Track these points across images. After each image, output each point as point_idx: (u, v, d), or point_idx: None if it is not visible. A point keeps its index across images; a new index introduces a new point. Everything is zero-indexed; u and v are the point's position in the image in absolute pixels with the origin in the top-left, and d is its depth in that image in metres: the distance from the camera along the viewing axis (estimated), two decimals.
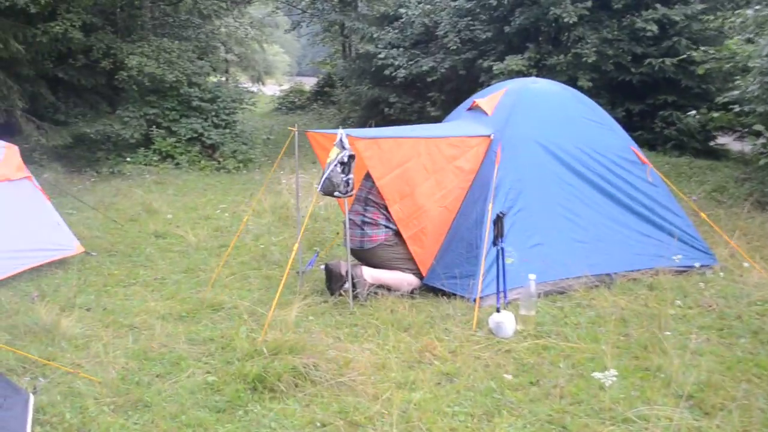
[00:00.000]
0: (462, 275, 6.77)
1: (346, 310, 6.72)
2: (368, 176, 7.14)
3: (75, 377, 5.30)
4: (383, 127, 10.19)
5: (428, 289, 7.12)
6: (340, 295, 6.93)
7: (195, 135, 16.73)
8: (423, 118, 18.03)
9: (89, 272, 8.33)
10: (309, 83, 35.69)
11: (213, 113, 17.11)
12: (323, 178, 6.51)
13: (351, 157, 6.50)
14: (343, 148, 6.50)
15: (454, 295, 6.79)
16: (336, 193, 6.52)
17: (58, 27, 15.62)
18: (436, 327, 6.23)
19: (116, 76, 16.81)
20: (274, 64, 52.28)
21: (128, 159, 16.20)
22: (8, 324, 6.52)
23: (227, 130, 17.15)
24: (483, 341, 5.88)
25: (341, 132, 6.59)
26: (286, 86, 37.78)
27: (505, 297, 6.42)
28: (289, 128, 7.66)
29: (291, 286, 7.49)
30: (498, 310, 6.11)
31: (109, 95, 19.88)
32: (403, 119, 19.17)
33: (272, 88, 42.36)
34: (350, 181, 6.50)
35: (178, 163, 16.14)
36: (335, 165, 6.47)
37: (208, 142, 16.77)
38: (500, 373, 5.30)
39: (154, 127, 16.67)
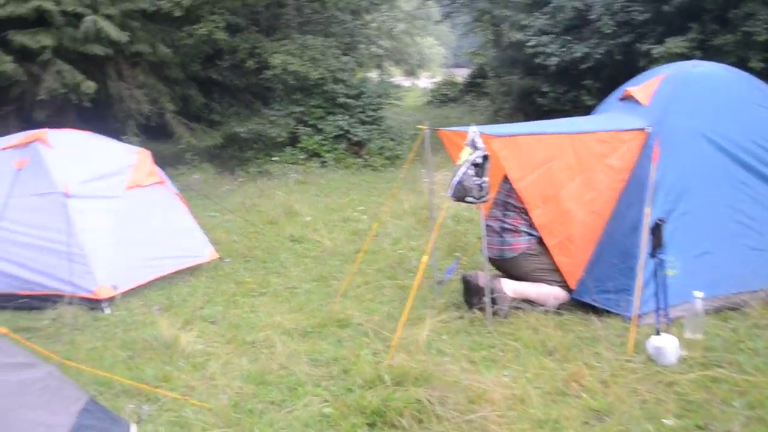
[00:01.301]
0: (616, 289, 5.96)
1: (483, 327, 6.07)
2: (506, 178, 6.43)
3: (185, 403, 4.92)
4: (520, 123, 9.38)
5: (577, 305, 6.32)
6: (479, 309, 6.27)
7: (341, 132, 16.43)
8: (578, 108, 17.00)
9: (221, 280, 8.06)
10: (462, 75, 35.00)
11: (359, 109, 16.75)
12: (454, 182, 5.87)
13: (485, 157, 5.83)
14: (476, 147, 5.84)
15: (607, 312, 6.00)
16: (468, 199, 5.86)
17: (203, 29, 15.72)
18: (585, 351, 5.46)
19: (261, 75, 16.74)
20: (430, 56, 51.88)
21: (275, 158, 16.08)
22: (130, 338, 6.29)
23: (374, 126, 16.75)
24: (640, 370, 5.07)
25: (473, 130, 5.92)
26: (438, 79, 37.24)
27: (666, 316, 5.56)
28: (418, 126, 7.09)
29: (427, 297, 6.92)
30: (658, 332, 5.29)
31: (263, 94, 20.00)
32: (557, 109, 18.18)
33: (426, 81, 42.01)
34: (484, 185, 5.83)
35: (324, 162, 15.88)
36: (467, 167, 5.82)
37: (355, 139, 16.43)
38: (660, 412, 4.49)
39: (300, 125, 16.49)
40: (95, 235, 7.40)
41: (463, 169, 5.83)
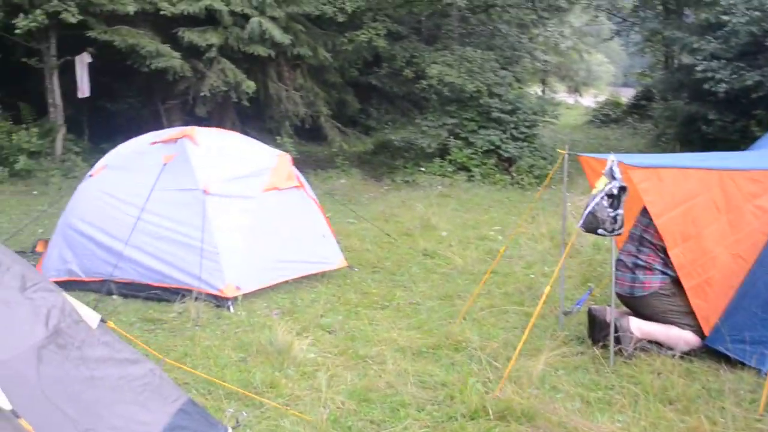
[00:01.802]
0: (753, 341, 5.50)
1: (604, 366, 5.73)
2: (645, 212, 6.06)
3: (285, 412, 4.88)
4: (664, 154, 8.87)
5: (708, 353, 5.87)
6: (602, 347, 5.95)
7: (492, 147, 16.19)
8: (746, 139, 16.02)
9: (347, 289, 8.05)
10: (628, 95, 33.87)
11: (512, 125, 16.46)
12: (586, 212, 5.59)
13: (622, 189, 5.51)
14: (613, 177, 5.53)
15: (741, 364, 5.54)
16: (600, 231, 5.55)
17: (363, 35, 15.87)
18: (710, 404, 5.06)
19: (416, 85, 16.75)
20: (597, 74, 50.59)
21: (423, 169, 16.03)
22: (247, 340, 6.34)
23: (525, 143, 16.41)
24: None
25: (612, 158, 5.62)
26: (601, 98, 36.23)
27: None
28: (558, 150, 6.82)
29: (550, 327, 6.65)
30: None
31: (420, 103, 20.05)
32: (723, 139, 17.24)
33: (590, 100, 41.03)
34: (618, 218, 5.51)
35: (471, 176, 15.69)
36: (601, 197, 5.52)
37: (505, 155, 16.16)
38: None
39: (451, 137, 16.37)
40: (229, 234, 7.53)
41: (596, 200, 5.53)
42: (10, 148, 14.71)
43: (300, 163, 17.21)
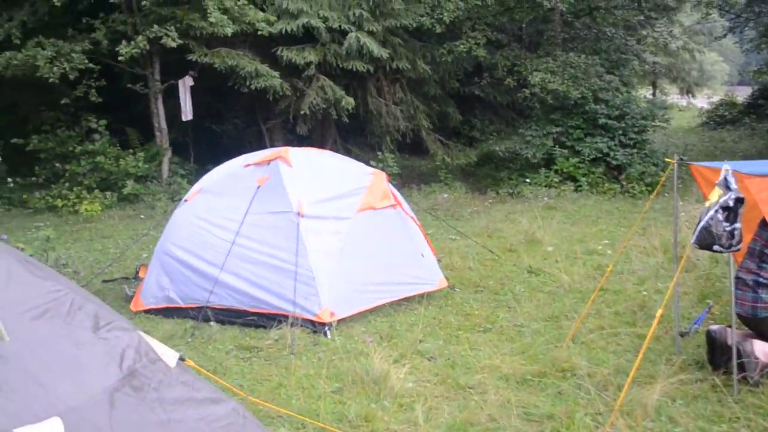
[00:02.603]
0: None
1: (728, 395, 5.25)
2: (765, 224, 5.54)
3: None
4: None
5: None
6: (724, 373, 5.46)
7: (599, 155, 15.60)
8: None
9: (448, 310, 7.74)
10: (743, 94, 32.38)
11: (620, 131, 15.82)
12: (699, 227, 5.12)
13: (738, 200, 5.03)
14: (728, 188, 5.06)
15: None
16: (716, 247, 5.08)
17: (462, 46, 15.57)
18: None
19: (519, 94, 16.32)
20: (711, 73, 48.78)
21: (528, 180, 15.57)
22: (343, 368, 6.11)
23: (635, 150, 15.74)
24: None
25: (726, 168, 5.14)
26: (716, 98, 34.76)
27: None
28: (666, 159, 6.37)
29: (666, 351, 6.17)
30: None
31: (525, 112, 19.60)
32: None
33: (703, 101, 39.52)
34: (736, 232, 5.03)
35: (579, 186, 15.13)
36: (716, 210, 5.05)
37: (614, 162, 15.53)
38: None
39: (557, 146, 15.85)
40: (323, 256, 7.33)
41: (710, 213, 5.07)
42: (118, 173, 15.03)
43: (402, 178, 17.12)
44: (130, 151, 15.74)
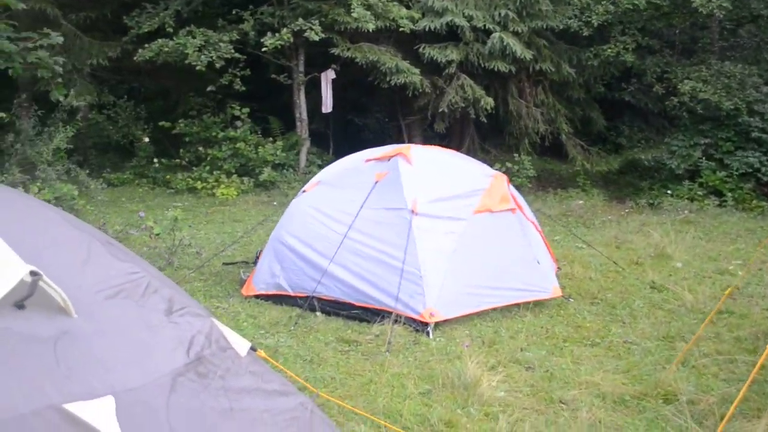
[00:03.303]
0: None
1: None
2: None
3: None
4: None
5: None
6: None
7: (750, 170, 14.75)
8: None
9: (558, 320, 7.49)
10: None
11: None
12: None
13: None
14: None
15: None
16: None
17: (610, 50, 15.09)
18: None
19: (667, 102, 15.66)
20: None
21: (669, 191, 14.93)
22: (437, 370, 6.02)
23: None
24: None
25: None
26: None
27: None
28: None
29: None
30: None
31: (676, 121, 18.83)
32: None
33: None
34: None
35: (723, 201, 14.35)
36: None
37: (765, 179, 14.65)
38: None
39: (704, 158, 15.11)
40: (434, 256, 7.25)
41: None
42: (256, 160, 15.45)
43: (540, 182, 16.80)
44: (270, 139, 16.14)
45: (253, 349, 3.95)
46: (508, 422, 5.08)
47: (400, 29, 14.54)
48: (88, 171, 15.30)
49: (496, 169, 15.07)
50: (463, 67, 15.38)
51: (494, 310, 7.49)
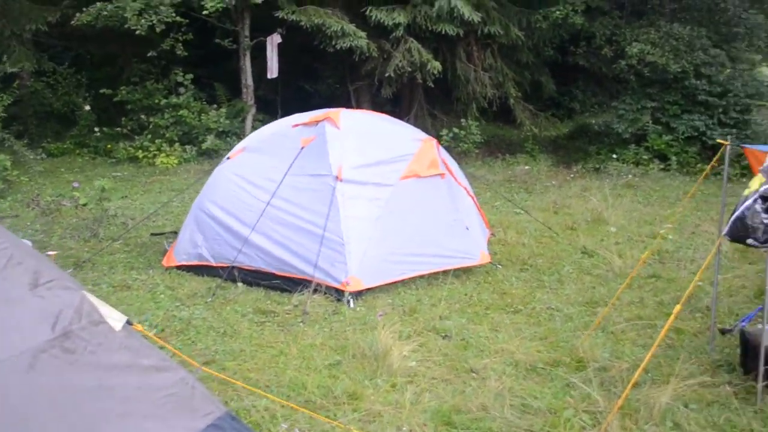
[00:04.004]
0: None
1: (750, 404, 4.77)
2: None
3: None
4: None
5: None
6: (754, 379, 4.97)
7: (695, 134, 14.73)
8: None
9: (485, 287, 7.40)
10: None
11: (721, 110, 14.85)
12: (733, 218, 4.62)
13: None
14: None
15: None
16: (750, 241, 4.57)
17: (559, 12, 14.90)
18: None
19: (614, 66, 15.54)
20: None
21: (615, 156, 14.87)
22: (350, 341, 5.87)
23: (735, 130, 14.72)
24: None
25: None
26: None
27: None
28: (719, 140, 5.85)
29: (700, 349, 5.70)
30: None
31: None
32: None
33: None
34: None
35: (668, 165, 14.33)
36: (754, 200, 4.54)
37: (710, 142, 14.61)
38: None
39: (650, 122, 15.04)
40: (357, 223, 7.10)
41: (748, 202, 4.56)
42: (199, 128, 15.11)
43: (489, 147, 16.66)
44: (215, 106, 15.80)
45: (129, 323, 3.77)
46: (414, 393, 4.98)
47: None
48: (27, 141, 14.98)
49: (443, 135, 15.16)
50: (411, 31, 15.06)
51: (420, 277, 7.37)
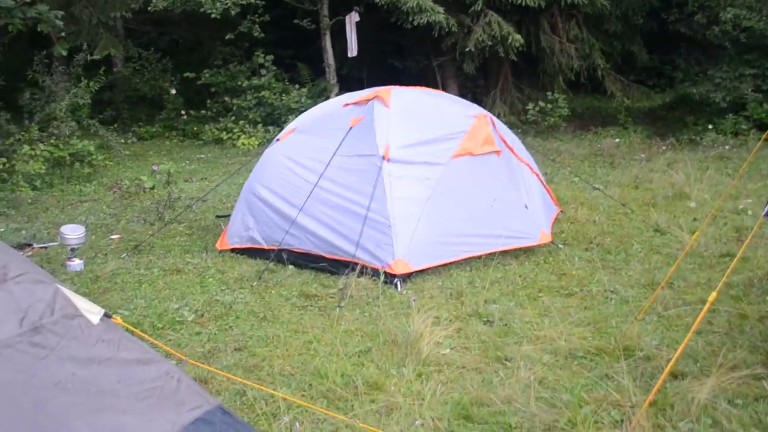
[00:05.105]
0: None
1: None
2: None
3: (355, 428, 4.17)
4: None
5: None
6: None
7: None
8: None
9: (544, 268, 7.07)
10: None
11: None
12: None
13: None
14: None
15: None
16: None
17: None
18: None
19: (707, 32, 14.69)
20: None
21: (710, 126, 14.07)
22: (385, 327, 5.65)
23: None
24: None
25: None
26: None
27: None
28: None
29: (759, 337, 5.23)
30: None
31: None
32: None
33: None
34: None
35: None
36: None
37: None
38: None
39: (750, 89, 14.15)
40: (406, 204, 6.87)
41: None
42: (281, 108, 15.12)
43: (582, 120, 16.09)
44: (296, 86, 15.77)
45: (107, 315, 3.67)
46: (440, 382, 4.73)
47: None
48: (118, 125, 15.37)
49: (529, 109, 14.71)
50: (491, 3, 14.62)
51: (477, 258, 7.08)
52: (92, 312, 3.61)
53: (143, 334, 4.21)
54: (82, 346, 3.47)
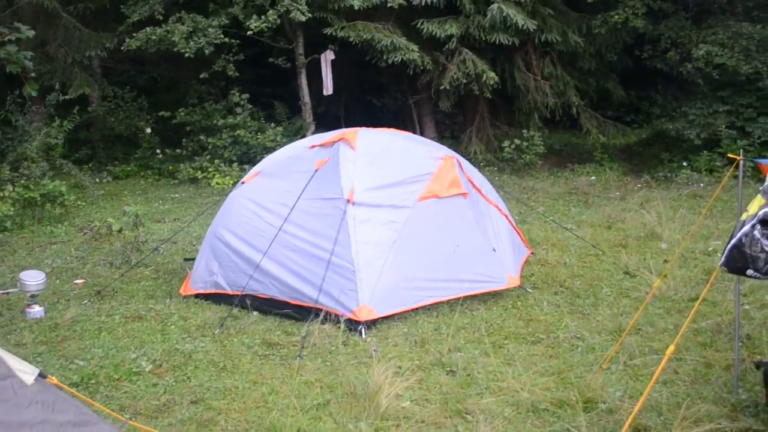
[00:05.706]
0: None
1: None
2: None
3: None
4: None
5: None
6: None
7: None
8: None
9: (512, 313, 6.97)
10: None
11: None
12: (729, 246, 4.12)
13: None
14: None
15: None
16: (750, 272, 4.07)
17: (618, 16, 14.24)
18: None
19: (680, 69, 14.76)
20: None
21: (685, 164, 14.10)
22: (346, 378, 5.53)
23: None
24: None
25: None
26: None
27: None
28: (730, 155, 5.32)
29: (724, 387, 5.15)
30: None
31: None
32: None
33: None
34: None
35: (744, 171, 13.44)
36: (752, 226, 4.04)
37: None
38: None
39: (723, 126, 14.18)
40: (371, 248, 6.78)
41: (746, 228, 4.06)
42: (257, 147, 15.03)
43: (559, 157, 16.08)
44: (272, 125, 15.71)
45: (42, 375, 3.55)
46: None
47: (389, 5, 13.92)
48: (94, 164, 15.26)
49: (504, 147, 14.69)
50: (465, 41, 14.65)
51: (444, 304, 6.98)
52: (26, 372, 3.49)
53: (80, 395, 4.07)
54: (14, 409, 3.35)
